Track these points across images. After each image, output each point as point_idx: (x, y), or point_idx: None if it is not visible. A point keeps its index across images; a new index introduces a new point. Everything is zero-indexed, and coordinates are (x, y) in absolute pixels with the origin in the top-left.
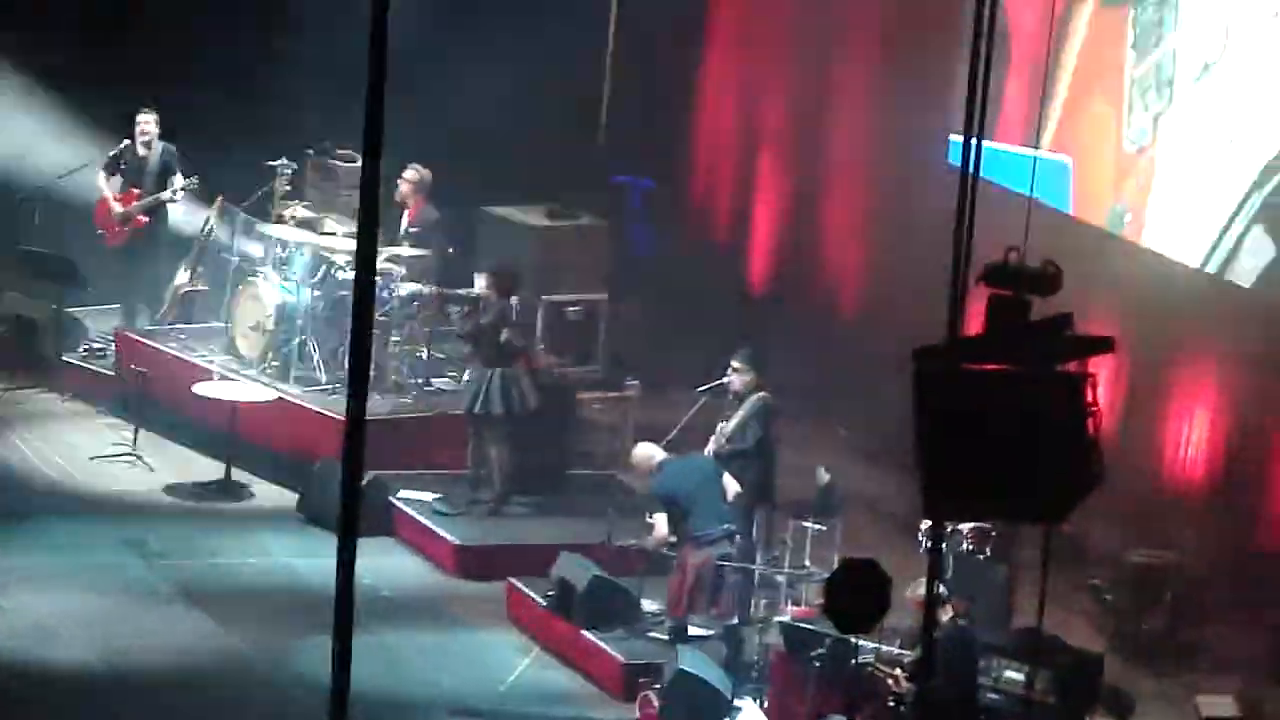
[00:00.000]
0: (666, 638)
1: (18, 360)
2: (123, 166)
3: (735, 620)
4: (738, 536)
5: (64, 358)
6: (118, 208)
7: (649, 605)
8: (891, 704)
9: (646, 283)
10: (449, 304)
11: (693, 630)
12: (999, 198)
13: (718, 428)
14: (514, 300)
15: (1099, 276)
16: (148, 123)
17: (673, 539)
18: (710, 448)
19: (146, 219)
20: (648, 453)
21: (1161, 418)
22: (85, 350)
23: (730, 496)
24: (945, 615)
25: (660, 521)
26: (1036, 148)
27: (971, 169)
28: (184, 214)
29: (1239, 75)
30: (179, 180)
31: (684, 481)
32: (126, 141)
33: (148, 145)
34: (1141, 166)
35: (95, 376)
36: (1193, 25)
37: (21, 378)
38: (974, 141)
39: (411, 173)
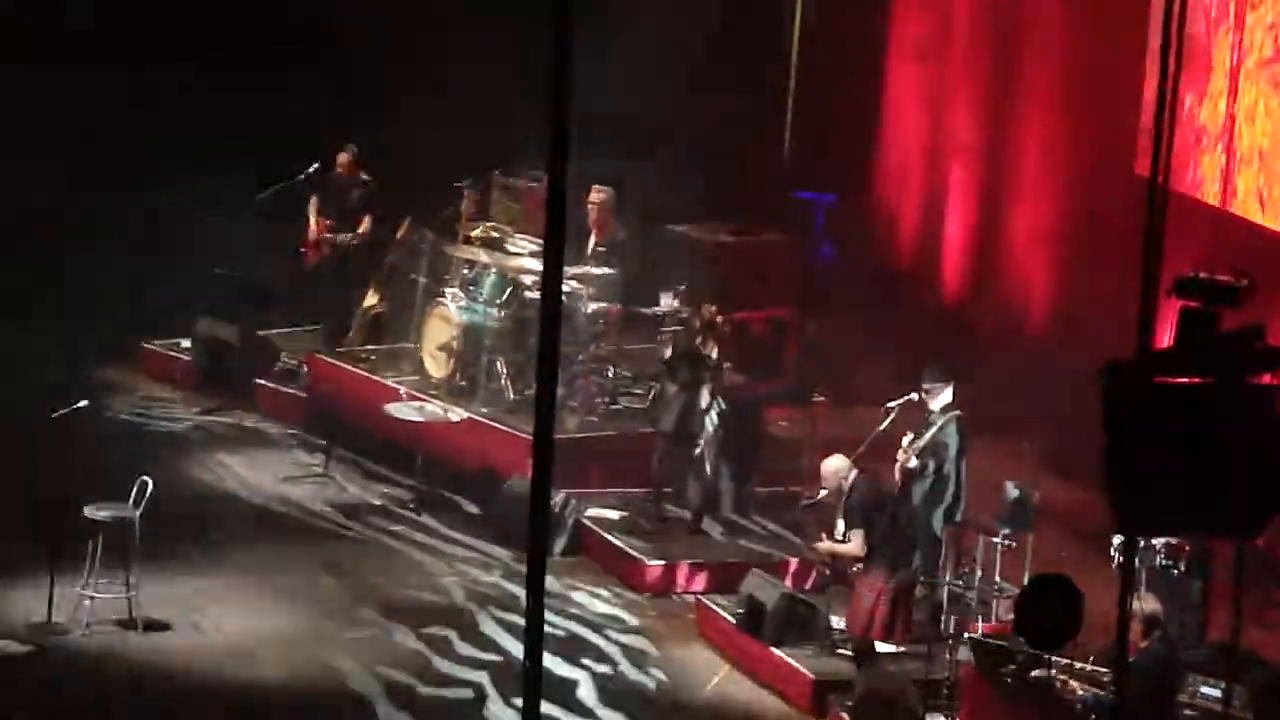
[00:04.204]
0: (854, 655)
1: (211, 382)
2: (325, 197)
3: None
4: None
5: (256, 379)
6: (314, 231)
7: (838, 622)
8: None
9: (832, 298)
10: (634, 321)
11: (880, 647)
12: (1193, 208)
13: (905, 442)
14: (719, 320)
15: None
16: (345, 160)
17: (861, 552)
18: (904, 463)
19: (330, 251)
20: (842, 465)
21: None
22: (277, 372)
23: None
24: (1149, 636)
25: (857, 537)
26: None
27: (1161, 179)
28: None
29: None
30: (365, 224)
31: (880, 502)
32: (322, 165)
33: (349, 181)
34: None
35: (287, 397)
36: None
37: (214, 400)
38: (1163, 150)
39: (597, 194)
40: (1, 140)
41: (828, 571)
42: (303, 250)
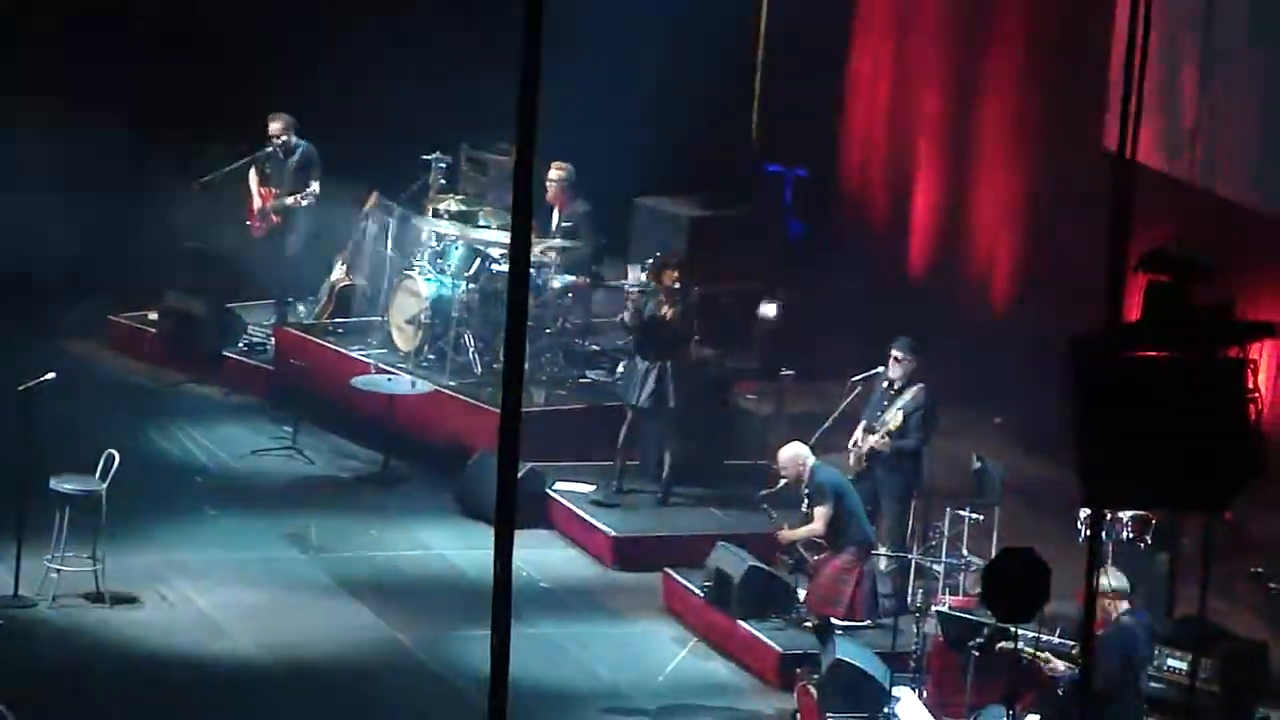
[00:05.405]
0: (813, 629)
1: (179, 355)
2: (267, 169)
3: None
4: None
5: (224, 352)
6: (258, 203)
7: (805, 595)
8: (1050, 693)
9: (800, 272)
10: (602, 295)
11: (839, 621)
12: (1159, 181)
13: (888, 416)
14: (679, 286)
15: (1265, 260)
16: (276, 127)
17: (823, 529)
18: (867, 439)
19: (279, 218)
20: (799, 452)
21: None
22: (245, 345)
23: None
24: (1117, 609)
25: (820, 515)
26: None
27: (1129, 153)
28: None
29: None
30: (312, 187)
31: (844, 482)
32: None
33: (284, 148)
34: None
35: (255, 370)
36: None
37: (182, 372)
38: (1131, 125)
39: (555, 171)
40: None
41: (790, 560)
42: (249, 223)
